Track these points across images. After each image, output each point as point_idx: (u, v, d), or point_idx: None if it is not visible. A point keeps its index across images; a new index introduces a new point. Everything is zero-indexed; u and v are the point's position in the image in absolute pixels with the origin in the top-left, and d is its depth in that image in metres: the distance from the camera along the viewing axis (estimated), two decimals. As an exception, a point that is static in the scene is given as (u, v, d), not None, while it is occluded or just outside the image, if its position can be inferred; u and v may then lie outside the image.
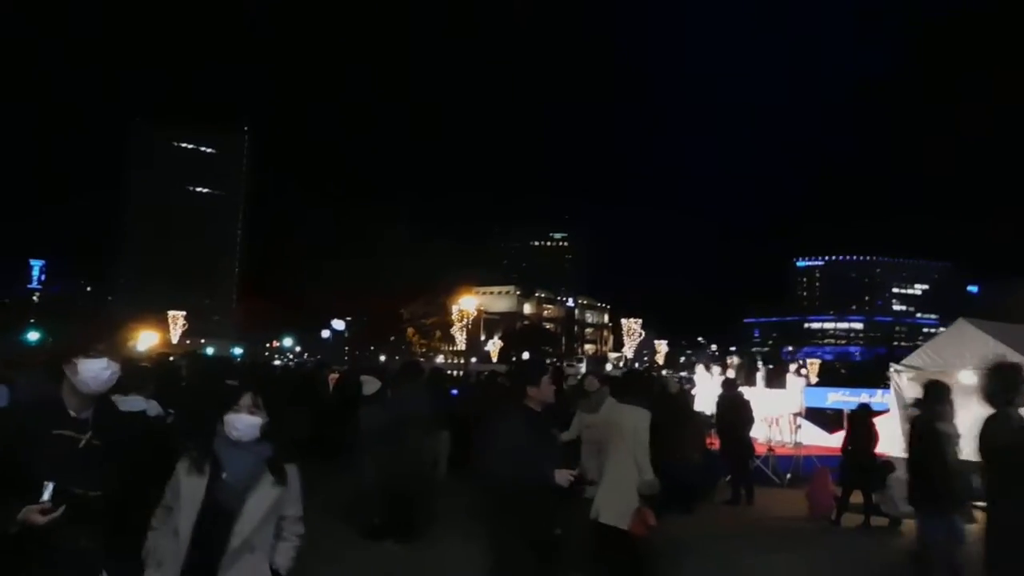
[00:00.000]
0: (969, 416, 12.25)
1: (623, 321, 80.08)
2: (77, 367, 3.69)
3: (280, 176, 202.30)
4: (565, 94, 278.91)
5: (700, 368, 19.83)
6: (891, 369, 14.06)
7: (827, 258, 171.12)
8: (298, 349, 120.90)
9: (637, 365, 61.56)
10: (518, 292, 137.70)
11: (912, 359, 13.74)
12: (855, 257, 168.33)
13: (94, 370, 3.64)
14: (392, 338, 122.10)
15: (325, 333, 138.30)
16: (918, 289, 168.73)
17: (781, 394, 16.98)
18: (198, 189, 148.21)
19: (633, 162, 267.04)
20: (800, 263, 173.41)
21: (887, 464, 10.54)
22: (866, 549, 9.26)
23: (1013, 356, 12.07)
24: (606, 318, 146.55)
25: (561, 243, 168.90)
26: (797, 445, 15.58)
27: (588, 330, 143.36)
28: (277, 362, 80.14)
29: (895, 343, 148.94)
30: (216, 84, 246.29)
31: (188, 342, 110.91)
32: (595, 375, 9.06)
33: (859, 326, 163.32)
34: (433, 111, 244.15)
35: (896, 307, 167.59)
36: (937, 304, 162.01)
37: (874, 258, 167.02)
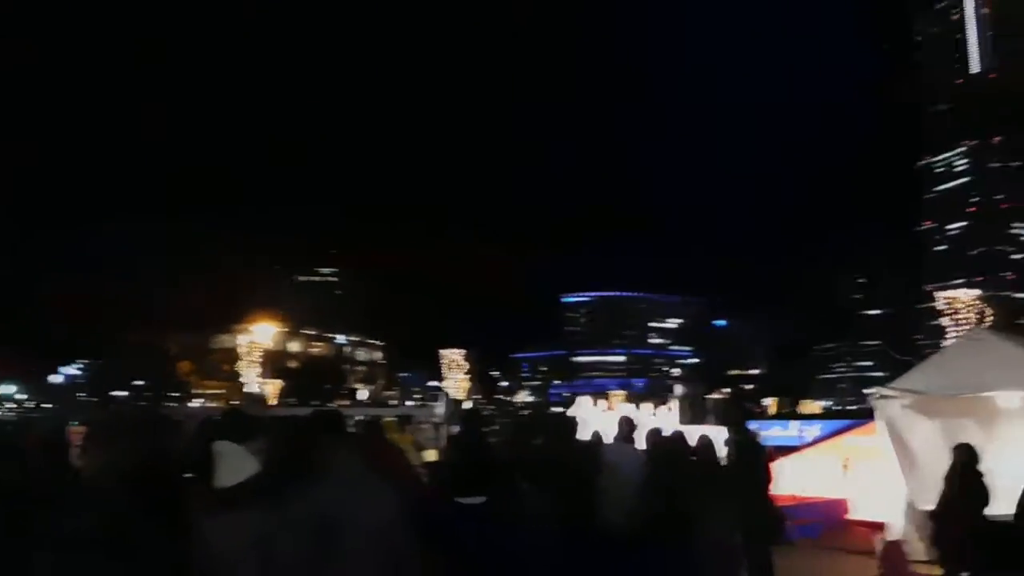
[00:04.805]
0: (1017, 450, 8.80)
1: (443, 352, 75.93)
2: None
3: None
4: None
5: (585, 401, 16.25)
6: (875, 395, 11.23)
7: (594, 294, 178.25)
8: (22, 397, 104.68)
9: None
10: (284, 329, 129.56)
11: (909, 380, 10.94)
12: (619, 293, 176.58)
13: None
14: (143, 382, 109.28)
15: (56, 378, 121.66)
16: (673, 323, 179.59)
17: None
18: None
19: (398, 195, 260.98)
20: (567, 299, 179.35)
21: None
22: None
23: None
24: (379, 355, 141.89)
25: (329, 278, 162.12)
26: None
27: (360, 368, 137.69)
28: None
29: (653, 374, 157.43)
30: None
31: None
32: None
33: (621, 359, 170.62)
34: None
35: (653, 340, 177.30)
36: (690, 337, 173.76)
37: (636, 294, 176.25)
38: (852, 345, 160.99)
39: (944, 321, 52.40)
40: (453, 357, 76.08)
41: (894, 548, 8.10)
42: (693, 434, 11.05)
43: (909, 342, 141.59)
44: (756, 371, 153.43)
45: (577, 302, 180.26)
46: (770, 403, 43.67)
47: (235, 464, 4.17)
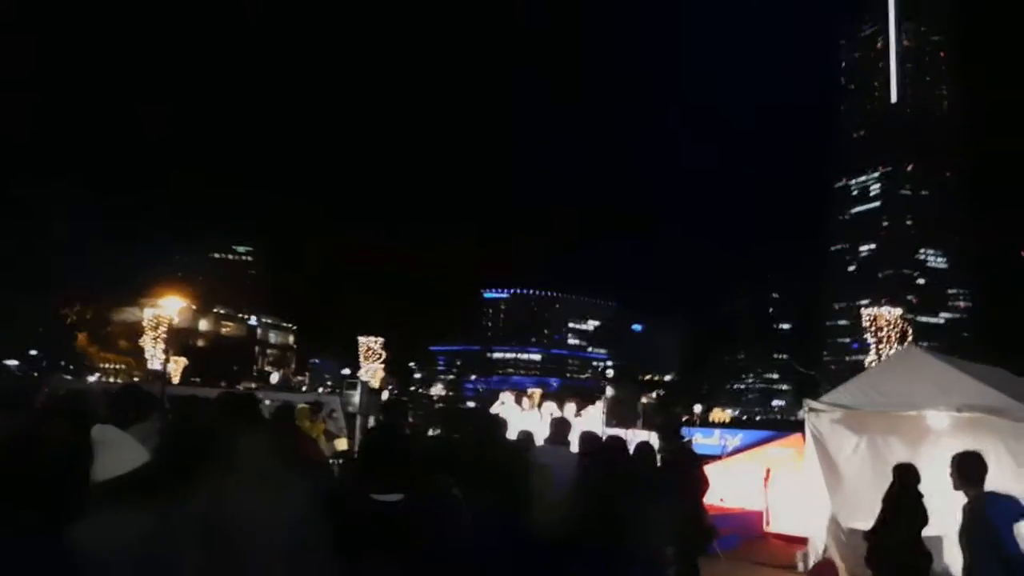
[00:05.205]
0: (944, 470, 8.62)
1: (361, 339, 73.94)
2: None
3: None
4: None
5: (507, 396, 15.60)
6: (805, 408, 11.00)
7: (513, 291, 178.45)
8: None
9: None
10: (193, 306, 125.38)
11: (839, 395, 10.72)
12: (538, 292, 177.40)
13: None
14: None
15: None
16: (591, 325, 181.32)
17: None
18: None
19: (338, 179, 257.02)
20: (487, 294, 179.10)
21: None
22: None
23: (989, 394, 9.58)
24: (291, 339, 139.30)
25: (245, 257, 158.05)
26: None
27: (271, 351, 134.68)
28: None
29: (568, 374, 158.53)
30: None
31: None
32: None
33: (537, 357, 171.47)
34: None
35: (571, 341, 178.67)
36: (606, 339, 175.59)
37: (554, 294, 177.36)
38: (760, 356, 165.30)
39: (867, 338, 54.19)
40: (371, 345, 74.33)
41: (826, 566, 7.85)
42: (623, 438, 10.69)
43: (815, 357, 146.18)
44: (668, 377, 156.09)
45: (496, 298, 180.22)
46: (698, 409, 44.22)
47: (117, 452, 3.53)
